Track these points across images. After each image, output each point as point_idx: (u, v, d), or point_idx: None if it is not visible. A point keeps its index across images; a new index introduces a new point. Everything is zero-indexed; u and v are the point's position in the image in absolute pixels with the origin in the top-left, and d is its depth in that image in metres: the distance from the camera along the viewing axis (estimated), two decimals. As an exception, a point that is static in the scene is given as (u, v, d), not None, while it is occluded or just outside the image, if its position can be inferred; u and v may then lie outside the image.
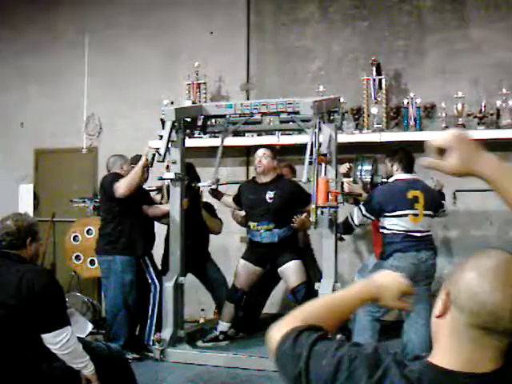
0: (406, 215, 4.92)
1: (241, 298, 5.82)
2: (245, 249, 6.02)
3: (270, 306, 6.58)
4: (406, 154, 5.18)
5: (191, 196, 5.88)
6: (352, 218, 5.13)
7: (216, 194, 6.02)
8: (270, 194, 5.59)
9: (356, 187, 5.40)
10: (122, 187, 5.30)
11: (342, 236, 5.68)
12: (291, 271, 5.57)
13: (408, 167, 5.14)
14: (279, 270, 5.67)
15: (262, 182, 5.70)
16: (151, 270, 5.68)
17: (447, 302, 1.38)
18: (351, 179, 5.47)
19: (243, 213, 5.96)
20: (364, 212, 5.05)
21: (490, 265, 1.36)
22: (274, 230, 5.58)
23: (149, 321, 5.59)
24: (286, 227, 5.60)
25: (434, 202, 5.14)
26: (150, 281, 5.65)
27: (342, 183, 5.33)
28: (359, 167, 5.69)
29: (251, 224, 5.70)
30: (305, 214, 5.47)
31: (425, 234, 4.98)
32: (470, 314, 1.33)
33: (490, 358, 1.34)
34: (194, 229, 5.79)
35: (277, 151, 5.80)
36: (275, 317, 6.80)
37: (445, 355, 1.36)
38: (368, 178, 5.47)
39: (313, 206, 4.87)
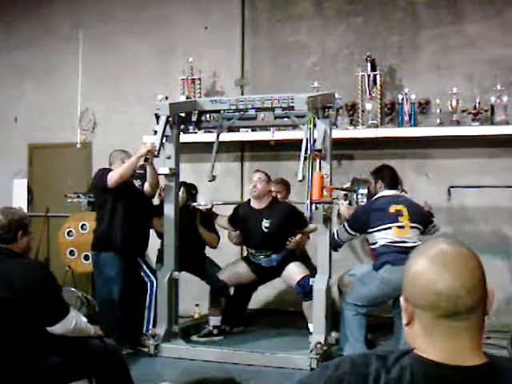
0: (389, 228, 5.01)
1: (223, 289, 5.82)
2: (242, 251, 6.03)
3: (255, 301, 6.55)
4: (391, 171, 5.34)
5: (187, 213, 5.89)
6: (338, 236, 5.26)
7: (211, 214, 6.02)
8: (265, 223, 5.60)
9: (351, 209, 5.44)
10: (115, 175, 5.27)
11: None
12: (292, 268, 5.61)
13: (392, 184, 5.28)
14: (282, 277, 5.72)
15: (258, 208, 5.70)
16: (145, 268, 5.66)
17: (408, 307, 1.41)
18: (347, 202, 5.53)
19: (238, 232, 5.97)
20: (349, 230, 5.21)
21: (429, 256, 1.39)
22: (272, 255, 5.67)
23: (146, 313, 5.56)
24: (283, 251, 5.67)
25: (420, 215, 5.21)
26: (145, 277, 5.62)
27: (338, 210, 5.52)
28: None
29: (249, 250, 5.81)
30: (299, 235, 5.57)
31: (415, 245, 4.96)
32: (431, 308, 1.35)
33: (470, 348, 1.36)
34: (189, 242, 5.75)
35: (269, 177, 5.78)
36: (260, 312, 6.74)
37: (428, 352, 1.37)
38: (364, 202, 5.51)
39: (307, 201, 4.88)
